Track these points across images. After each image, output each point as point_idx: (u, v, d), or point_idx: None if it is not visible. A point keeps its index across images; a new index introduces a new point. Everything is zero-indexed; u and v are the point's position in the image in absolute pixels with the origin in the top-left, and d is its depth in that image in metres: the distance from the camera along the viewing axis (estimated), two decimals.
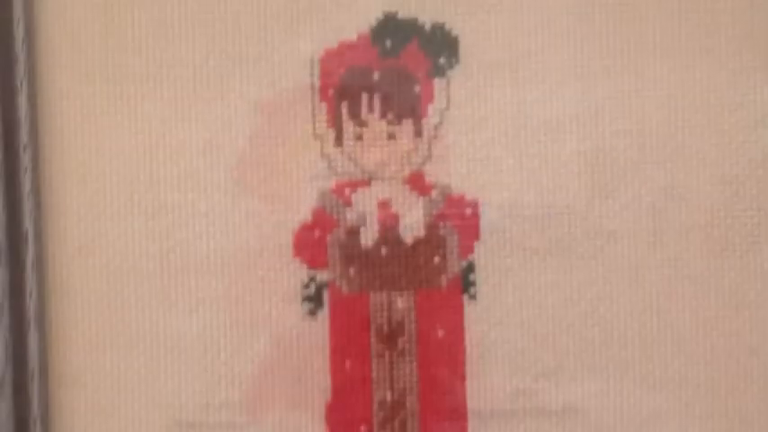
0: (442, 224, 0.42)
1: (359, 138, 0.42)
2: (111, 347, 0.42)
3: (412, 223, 0.42)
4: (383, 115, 0.42)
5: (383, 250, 0.42)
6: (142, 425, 0.42)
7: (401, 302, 0.42)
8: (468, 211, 0.42)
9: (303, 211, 0.42)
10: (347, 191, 0.42)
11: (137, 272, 0.42)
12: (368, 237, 0.42)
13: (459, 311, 0.42)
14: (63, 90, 0.42)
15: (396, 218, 0.42)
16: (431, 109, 0.42)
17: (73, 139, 0.42)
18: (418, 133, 0.42)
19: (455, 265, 0.42)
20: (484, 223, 0.42)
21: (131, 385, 0.42)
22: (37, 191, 0.42)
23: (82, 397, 0.42)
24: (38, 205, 0.42)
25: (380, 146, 0.42)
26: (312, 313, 0.42)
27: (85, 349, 0.42)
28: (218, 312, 0.42)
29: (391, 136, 0.42)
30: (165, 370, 0.42)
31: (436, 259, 0.42)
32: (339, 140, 0.42)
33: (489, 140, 0.42)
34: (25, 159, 0.41)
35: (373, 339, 0.42)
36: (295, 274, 0.42)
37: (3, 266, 0.41)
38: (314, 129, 0.42)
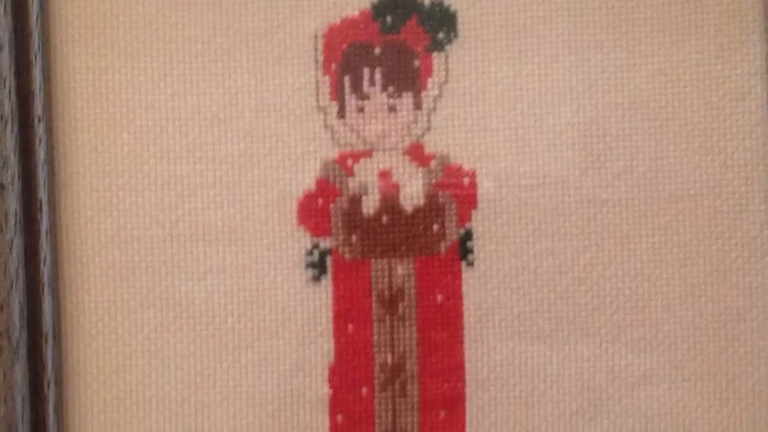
0: (440, 193, 0.43)
1: (361, 110, 0.43)
2: (122, 312, 0.43)
3: (412, 192, 0.43)
4: (384, 88, 0.43)
5: (384, 218, 0.43)
6: (152, 387, 0.43)
7: (401, 269, 0.43)
8: (466, 180, 0.43)
9: (307, 181, 0.43)
10: (349, 161, 0.43)
11: (147, 240, 0.43)
12: (369, 205, 0.43)
13: (457, 277, 0.43)
14: (76, 64, 0.43)
15: (396, 187, 0.43)
16: (430, 82, 0.43)
17: (86, 112, 0.43)
18: (418, 106, 0.43)
19: (453, 233, 0.43)
20: (481, 192, 0.43)
21: (141, 348, 0.43)
22: (51, 161, 0.43)
23: (94, 360, 0.43)
24: (52, 175, 0.43)
25: (381, 118, 0.43)
26: (316, 279, 0.43)
27: (97, 314, 0.43)
28: (225, 279, 0.43)
29: (392, 108, 0.43)
30: (173, 334, 0.43)
31: (435, 227, 0.43)
32: (342, 113, 0.43)
33: (486, 112, 0.43)
34: (40, 130, 0.42)
35: (375, 304, 0.43)
36: (299, 241, 0.43)
37: (18, 234, 0.41)
38: (317, 102, 0.43)
